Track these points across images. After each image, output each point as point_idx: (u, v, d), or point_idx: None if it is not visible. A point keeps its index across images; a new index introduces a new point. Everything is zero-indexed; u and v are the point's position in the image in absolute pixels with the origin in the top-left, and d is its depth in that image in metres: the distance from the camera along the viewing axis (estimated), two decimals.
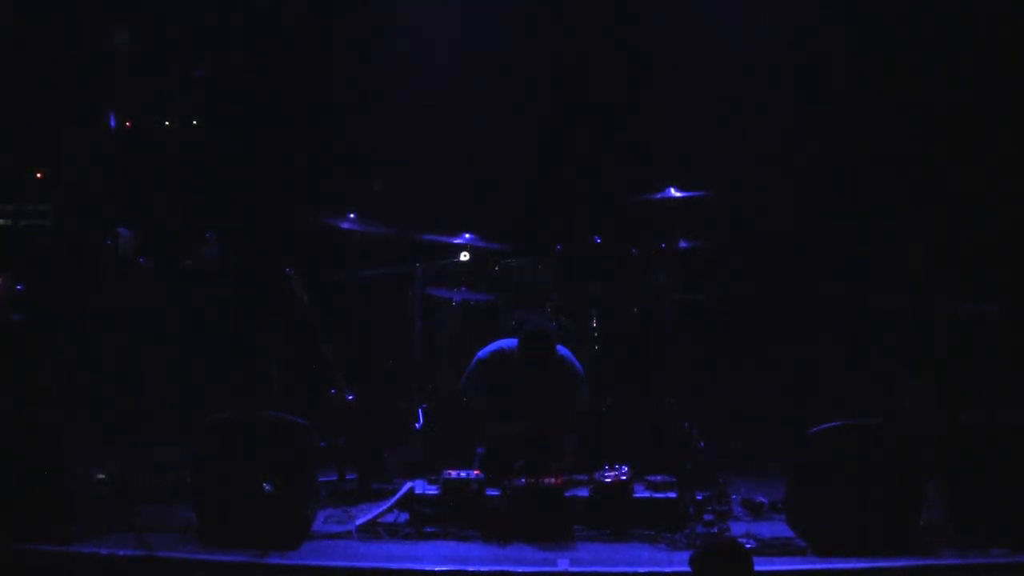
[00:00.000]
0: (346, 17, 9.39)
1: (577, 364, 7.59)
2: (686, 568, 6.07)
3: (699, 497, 7.08)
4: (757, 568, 6.05)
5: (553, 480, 6.77)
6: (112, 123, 8.76)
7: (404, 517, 6.88)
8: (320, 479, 7.24)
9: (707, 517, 6.93)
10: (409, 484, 7.04)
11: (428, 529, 6.74)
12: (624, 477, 6.84)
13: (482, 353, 7.64)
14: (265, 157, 9.38)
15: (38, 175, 8.66)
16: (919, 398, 8.05)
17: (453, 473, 6.86)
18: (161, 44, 9.14)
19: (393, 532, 6.74)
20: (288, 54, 9.38)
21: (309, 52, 9.40)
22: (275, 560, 6.24)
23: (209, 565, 6.21)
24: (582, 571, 6.19)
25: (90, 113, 8.77)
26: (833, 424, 6.55)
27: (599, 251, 8.63)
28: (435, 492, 6.86)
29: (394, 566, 6.17)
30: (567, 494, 6.83)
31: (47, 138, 8.80)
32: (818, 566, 6.25)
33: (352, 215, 8.02)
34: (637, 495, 6.88)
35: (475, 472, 6.88)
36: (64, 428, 6.73)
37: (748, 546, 6.45)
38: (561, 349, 7.57)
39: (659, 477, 7.03)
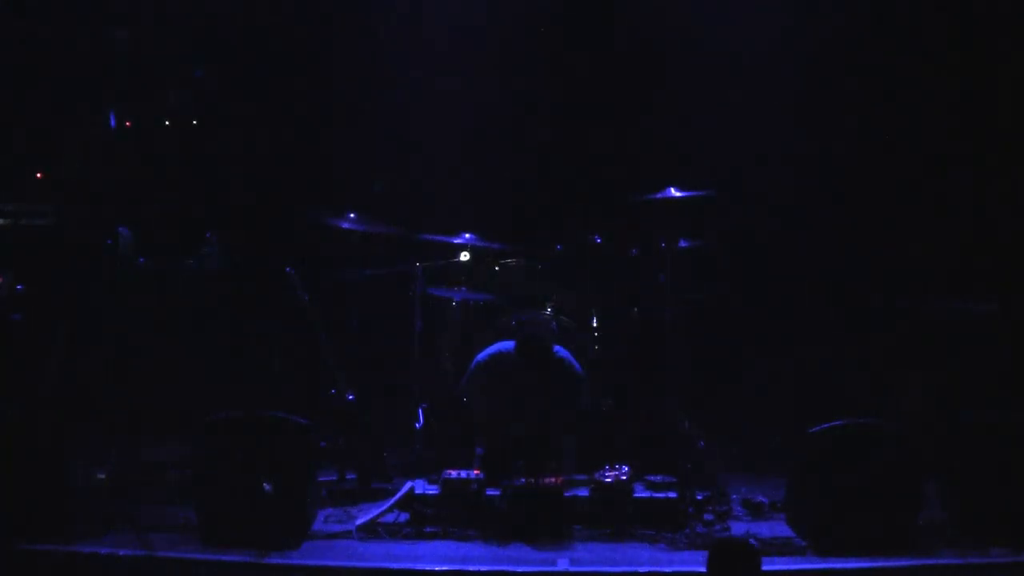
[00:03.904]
0: (346, 16, 9.38)
1: (577, 364, 7.59)
2: (686, 568, 6.12)
3: (699, 497, 7.08)
4: None
5: (553, 480, 6.77)
6: (112, 123, 8.75)
7: (404, 517, 6.87)
8: (320, 479, 7.24)
9: (707, 517, 6.94)
10: (409, 484, 7.03)
11: (428, 529, 6.74)
12: (624, 477, 6.84)
13: (481, 356, 7.64)
14: (265, 157, 9.37)
15: (38, 175, 8.65)
16: (919, 398, 8.05)
17: (453, 473, 6.86)
18: (161, 44, 9.14)
19: (393, 532, 6.74)
20: (288, 53, 9.37)
21: (309, 51, 9.39)
22: (275, 560, 6.24)
23: (209, 565, 6.21)
24: (582, 571, 6.19)
25: (90, 113, 8.76)
26: (833, 424, 6.56)
27: (599, 251, 8.62)
28: (435, 492, 6.86)
29: (394, 566, 6.18)
30: (567, 494, 6.83)
31: (47, 138, 8.79)
32: (818, 566, 6.25)
33: (352, 215, 8.02)
34: (637, 495, 6.88)
35: (475, 472, 6.88)
36: (64, 428, 6.73)
37: None
38: (560, 349, 7.57)
39: (659, 477, 7.04)
